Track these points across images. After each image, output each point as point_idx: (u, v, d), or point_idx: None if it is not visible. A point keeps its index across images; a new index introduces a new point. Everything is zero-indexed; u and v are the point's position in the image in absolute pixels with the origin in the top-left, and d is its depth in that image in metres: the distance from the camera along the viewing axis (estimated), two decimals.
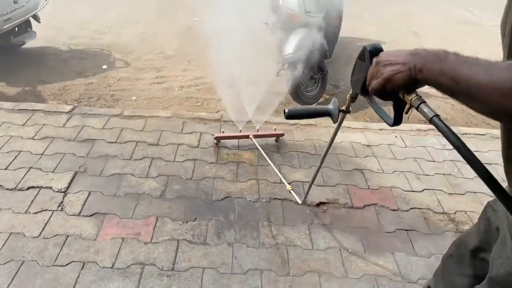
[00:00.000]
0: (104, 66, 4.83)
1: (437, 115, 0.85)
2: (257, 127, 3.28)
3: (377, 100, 1.09)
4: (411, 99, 0.91)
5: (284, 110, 1.53)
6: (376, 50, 1.03)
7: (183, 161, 2.87)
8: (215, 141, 3.12)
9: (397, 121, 1.05)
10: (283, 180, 2.66)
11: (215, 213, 2.43)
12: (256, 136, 3.18)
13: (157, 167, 2.79)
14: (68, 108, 3.44)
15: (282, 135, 3.27)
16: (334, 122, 1.56)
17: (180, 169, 2.79)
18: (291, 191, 2.54)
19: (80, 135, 3.09)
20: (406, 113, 0.98)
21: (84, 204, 2.44)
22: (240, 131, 3.26)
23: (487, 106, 0.74)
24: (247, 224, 2.37)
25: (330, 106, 1.52)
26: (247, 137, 3.17)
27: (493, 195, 0.78)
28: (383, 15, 7.90)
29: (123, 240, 2.21)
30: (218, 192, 2.60)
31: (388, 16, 7.83)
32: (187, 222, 2.35)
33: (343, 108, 1.53)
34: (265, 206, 2.52)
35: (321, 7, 4.02)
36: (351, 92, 1.39)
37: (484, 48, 6.15)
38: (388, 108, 1.04)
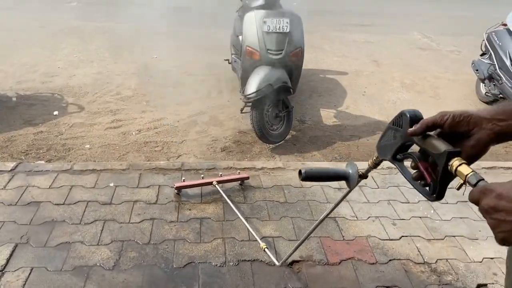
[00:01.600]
0: (55, 112, 4.50)
1: None
2: (220, 172, 3.06)
3: (411, 170, 1.02)
4: (466, 175, 0.80)
5: (300, 171, 1.33)
6: (416, 117, 0.94)
7: (139, 222, 2.59)
8: (175, 191, 2.87)
9: (439, 196, 0.92)
10: (256, 237, 2.44)
11: (176, 284, 2.16)
12: (220, 182, 2.96)
13: (110, 231, 2.50)
14: (11, 166, 3.10)
15: (247, 178, 3.06)
16: (350, 188, 1.40)
17: (136, 232, 2.50)
18: (266, 249, 2.33)
19: (23, 198, 2.76)
20: (458, 189, 0.85)
21: (24, 284, 2.11)
22: (202, 177, 3.03)
23: None
24: None
25: (349, 170, 1.36)
26: (210, 183, 2.94)
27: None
28: (344, 45, 7.94)
29: None
30: (180, 258, 2.33)
31: (349, 46, 7.86)
32: None
33: (362, 172, 1.38)
34: (233, 271, 2.27)
35: (281, 44, 3.89)
36: (374, 158, 1.25)
37: (445, 74, 6.22)
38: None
